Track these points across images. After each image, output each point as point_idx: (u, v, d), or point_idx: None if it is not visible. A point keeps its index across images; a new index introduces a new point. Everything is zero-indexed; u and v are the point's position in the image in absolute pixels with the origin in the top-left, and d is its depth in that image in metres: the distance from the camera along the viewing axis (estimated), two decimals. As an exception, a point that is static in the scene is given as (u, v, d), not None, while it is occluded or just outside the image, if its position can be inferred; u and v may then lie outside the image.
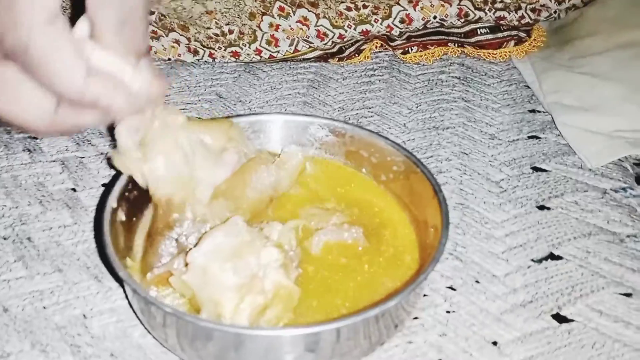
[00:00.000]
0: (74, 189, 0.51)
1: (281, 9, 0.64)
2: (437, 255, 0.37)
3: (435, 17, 0.67)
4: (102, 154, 0.55)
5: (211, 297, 0.35)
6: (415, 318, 0.41)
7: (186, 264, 0.36)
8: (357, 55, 0.70)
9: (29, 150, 0.55)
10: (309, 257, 0.42)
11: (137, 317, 0.39)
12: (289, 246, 0.40)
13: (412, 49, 0.70)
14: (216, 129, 0.41)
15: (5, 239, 0.45)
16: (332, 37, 0.66)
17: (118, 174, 0.41)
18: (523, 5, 0.68)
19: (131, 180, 0.41)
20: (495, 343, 0.40)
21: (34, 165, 0.53)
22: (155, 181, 0.39)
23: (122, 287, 0.42)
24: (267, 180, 0.41)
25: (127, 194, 0.42)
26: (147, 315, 0.37)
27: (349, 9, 0.65)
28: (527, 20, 0.69)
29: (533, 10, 0.68)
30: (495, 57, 0.70)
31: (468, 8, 0.67)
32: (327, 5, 0.64)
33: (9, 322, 0.39)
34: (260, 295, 0.36)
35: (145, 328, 0.39)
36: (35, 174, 0.52)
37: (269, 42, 0.66)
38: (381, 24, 0.66)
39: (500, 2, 0.67)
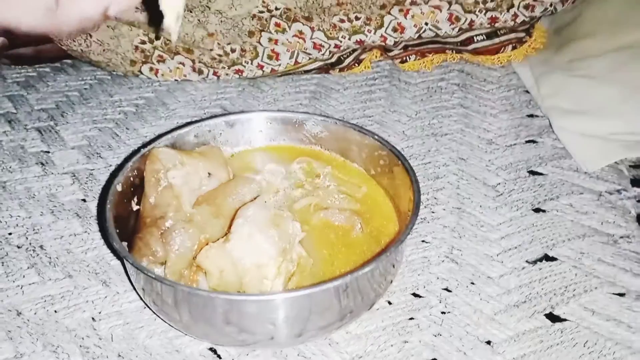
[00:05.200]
0: (84, 200, 0.53)
1: (277, 24, 0.66)
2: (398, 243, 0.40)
3: (427, 24, 0.67)
4: (111, 166, 0.57)
5: (256, 262, 0.39)
6: (411, 319, 0.42)
7: (225, 235, 0.40)
8: (357, 65, 0.71)
9: (41, 163, 0.57)
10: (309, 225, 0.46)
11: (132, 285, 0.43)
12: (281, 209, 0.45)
13: (409, 58, 0.71)
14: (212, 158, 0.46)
15: (19, 247, 0.48)
16: (329, 48, 0.68)
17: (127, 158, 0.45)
18: (515, 2, 0.66)
19: (137, 168, 0.45)
20: (489, 342, 0.41)
21: (47, 178, 0.55)
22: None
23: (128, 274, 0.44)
24: (247, 196, 0.44)
25: (132, 179, 0.45)
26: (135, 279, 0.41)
27: (342, 20, 0.66)
28: (522, 18, 0.67)
29: (526, 7, 0.67)
30: (494, 62, 0.71)
31: (458, 12, 0.66)
32: (320, 18, 0.65)
33: (22, 325, 0.41)
34: (291, 263, 0.40)
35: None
36: (48, 186, 0.54)
37: (270, 57, 0.68)
38: (374, 33, 0.67)
39: (491, 1, 0.66)
